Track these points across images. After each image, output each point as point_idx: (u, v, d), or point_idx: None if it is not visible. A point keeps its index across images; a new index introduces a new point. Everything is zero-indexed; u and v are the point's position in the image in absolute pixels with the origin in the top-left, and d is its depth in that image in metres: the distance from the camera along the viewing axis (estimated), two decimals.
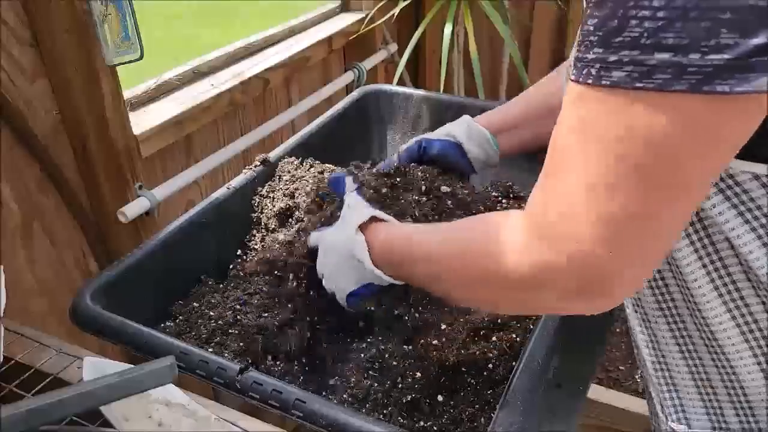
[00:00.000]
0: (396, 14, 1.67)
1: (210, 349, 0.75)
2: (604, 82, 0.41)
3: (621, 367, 1.75)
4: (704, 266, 0.54)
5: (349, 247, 0.67)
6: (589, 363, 0.87)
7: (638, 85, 0.40)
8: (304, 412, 0.60)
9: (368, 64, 1.72)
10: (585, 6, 0.45)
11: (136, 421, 0.59)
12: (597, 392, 1.46)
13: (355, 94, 1.26)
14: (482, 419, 0.68)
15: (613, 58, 0.40)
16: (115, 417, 0.59)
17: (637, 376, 1.70)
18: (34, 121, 0.92)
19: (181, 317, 0.83)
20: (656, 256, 0.47)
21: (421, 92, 1.24)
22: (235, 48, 1.40)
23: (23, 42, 0.89)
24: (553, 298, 0.49)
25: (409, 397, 0.69)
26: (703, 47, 0.37)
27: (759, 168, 0.47)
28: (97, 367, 0.61)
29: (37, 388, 0.65)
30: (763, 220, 0.49)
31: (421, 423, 0.68)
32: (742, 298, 0.54)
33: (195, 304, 0.85)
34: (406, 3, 1.66)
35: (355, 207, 0.73)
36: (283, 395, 0.61)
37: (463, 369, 0.73)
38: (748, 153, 0.45)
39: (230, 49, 1.39)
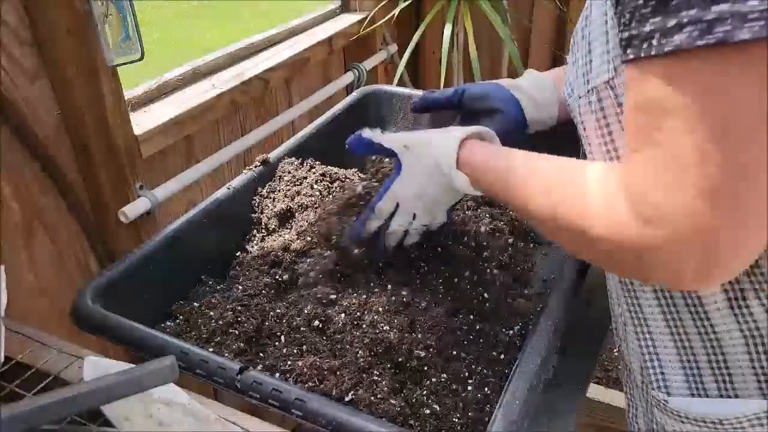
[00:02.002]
0: (396, 15, 1.67)
1: (210, 349, 0.75)
2: (667, 49, 0.40)
3: (620, 367, 1.75)
4: None
5: (447, 161, 0.68)
6: (589, 363, 0.88)
7: (699, 43, 0.38)
8: (304, 411, 0.60)
9: (368, 64, 1.72)
10: None
11: (137, 421, 0.59)
12: (597, 392, 1.46)
13: (355, 94, 1.26)
14: (482, 419, 0.68)
15: (672, 22, 0.39)
16: (116, 417, 0.59)
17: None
18: (34, 121, 0.92)
19: (181, 317, 0.83)
20: (762, 224, 0.44)
21: (421, 93, 1.24)
22: (235, 48, 1.41)
23: (24, 42, 0.89)
24: (664, 276, 0.48)
25: (410, 399, 0.69)
26: None
27: None
28: (97, 367, 0.61)
29: (37, 388, 0.65)
30: None
31: (420, 422, 0.67)
32: None
33: (195, 304, 0.85)
34: (406, 4, 1.66)
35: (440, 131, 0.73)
36: (282, 394, 0.61)
37: (463, 368, 0.73)
38: None
39: (231, 50, 1.39)
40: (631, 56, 0.43)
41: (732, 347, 0.59)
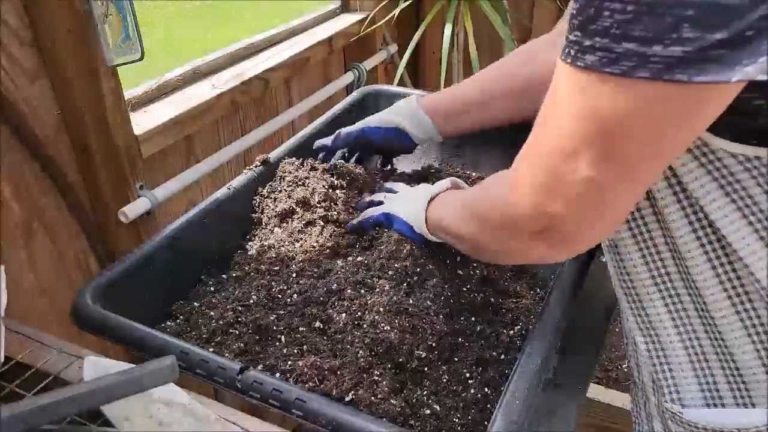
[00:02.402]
0: (396, 15, 1.67)
1: (210, 349, 0.75)
2: (579, 63, 0.45)
3: (621, 367, 1.75)
4: (702, 246, 0.56)
5: (419, 207, 0.80)
6: (589, 363, 0.88)
7: (606, 69, 0.43)
8: (305, 411, 0.60)
9: (368, 64, 1.72)
10: None
11: (137, 421, 0.59)
12: (597, 392, 1.46)
13: (355, 94, 1.26)
14: (482, 419, 0.68)
15: (587, 42, 0.44)
16: (116, 417, 0.59)
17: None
18: (34, 121, 0.92)
19: (181, 317, 0.83)
20: (612, 217, 0.53)
21: (421, 93, 1.24)
22: (235, 48, 1.41)
23: (23, 42, 0.89)
24: (524, 237, 0.56)
25: (410, 400, 0.69)
26: (666, 40, 0.40)
27: (740, 149, 0.50)
28: (97, 367, 0.61)
29: (37, 388, 0.65)
30: (748, 201, 0.52)
31: (421, 422, 0.67)
32: (738, 277, 0.55)
33: (195, 304, 0.85)
34: (406, 4, 1.66)
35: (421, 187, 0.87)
36: (283, 394, 0.61)
37: (463, 368, 0.73)
38: (735, 134, 0.49)
39: (231, 50, 1.39)
40: (559, 54, 0.48)
41: (742, 354, 0.58)
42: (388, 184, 0.95)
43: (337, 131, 1.04)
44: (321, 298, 0.82)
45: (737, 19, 0.39)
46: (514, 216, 0.56)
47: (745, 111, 0.46)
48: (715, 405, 0.61)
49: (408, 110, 0.96)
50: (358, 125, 1.01)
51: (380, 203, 0.90)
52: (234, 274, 0.91)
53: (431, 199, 0.79)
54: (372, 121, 1.00)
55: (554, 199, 0.51)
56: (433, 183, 0.86)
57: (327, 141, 1.04)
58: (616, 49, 0.42)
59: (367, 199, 0.94)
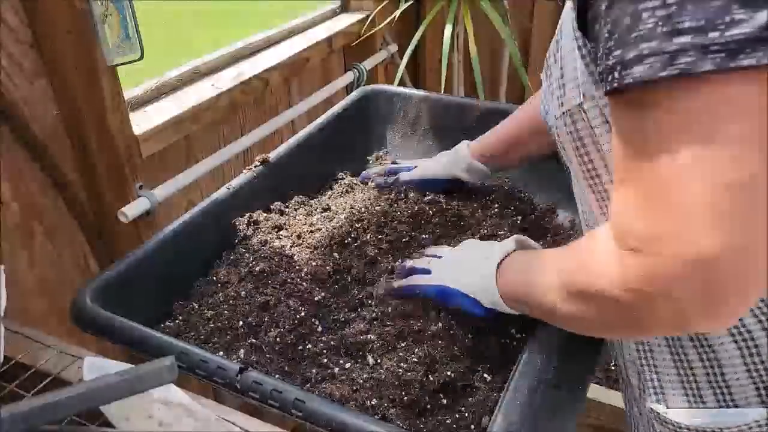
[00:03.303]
0: (397, 16, 1.67)
1: (210, 349, 0.75)
2: (626, 81, 0.41)
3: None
4: None
5: (485, 276, 0.69)
6: (589, 363, 0.87)
7: (662, 74, 0.39)
8: (304, 412, 0.60)
9: (368, 64, 1.72)
10: (594, 21, 0.46)
11: (137, 421, 0.59)
12: (597, 392, 1.46)
13: (355, 94, 1.26)
14: (482, 419, 0.68)
15: (631, 54, 0.40)
16: (115, 417, 0.59)
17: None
18: (34, 121, 0.92)
19: (181, 317, 0.83)
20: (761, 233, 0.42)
21: (421, 93, 1.24)
22: (235, 48, 1.40)
23: (23, 42, 0.89)
24: (669, 310, 0.45)
25: (409, 398, 0.69)
26: (719, 25, 0.37)
27: None
28: (97, 367, 0.61)
29: (37, 388, 0.65)
30: None
31: (421, 422, 0.67)
32: None
33: (195, 304, 0.85)
34: (407, 5, 1.66)
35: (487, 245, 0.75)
36: (282, 395, 0.61)
37: (464, 369, 0.73)
38: None
39: (230, 50, 1.39)
40: (604, 89, 0.44)
41: (728, 359, 0.59)
42: (431, 249, 0.84)
43: (390, 169, 1.07)
44: (321, 302, 0.82)
45: None
46: (653, 283, 0.44)
47: None
48: (698, 406, 0.62)
49: (464, 161, 0.99)
50: (417, 173, 1.03)
51: (425, 271, 0.78)
52: (234, 274, 0.91)
53: (499, 263, 0.69)
54: (430, 169, 1.03)
55: (702, 234, 0.41)
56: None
57: (380, 180, 1.06)
58: (669, 48, 0.39)
59: (409, 264, 0.82)
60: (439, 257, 0.80)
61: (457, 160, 1.00)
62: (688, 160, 0.40)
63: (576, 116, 0.58)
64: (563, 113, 0.59)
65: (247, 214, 0.97)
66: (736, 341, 0.57)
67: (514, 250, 0.70)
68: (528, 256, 0.69)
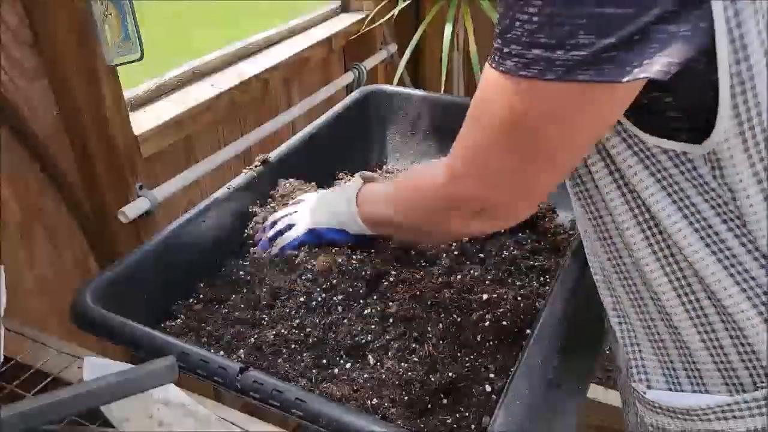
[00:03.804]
0: (396, 14, 1.67)
1: (210, 349, 0.75)
2: (500, 68, 0.51)
3: (613, 367, 1.75)
4: (646, 238, 0.60)
5: (348, 208, 0.83)
6: (589, 363, 0.88)
7: (521, 73, 0.50)
8: (305, 412, 0.60)
9: (368, 64, 1.72)
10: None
11: (137, 421, 0.59)
12: (597, 392, 1.46)
13: (355, 94, 1.26)
14: (483, 418, 0.68)
15: (506, 50, 0.50)
16: (116, 417, 0.59)
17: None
18: (34, 121, 0.92)
19: (181, 317, 0.83)
20: (533, 197, 0.61)
21: (420, 92, 1.24)
22: (235, 48, 1.40)
23: (23, 42, 0.89)
24: (465, 216, 0.63)
25: (410, 398, 0.69)
26: (566, 45, 0.47)
27: (669, 145, 0.54)
28: (97, 367, 0.61)
29: (37, 388, 0.65)
30: (681, 195, 0.56)
31: (421, 422, 0.67)
32: (681, 269, 0.60)
33: (195, 303, 0.85)
34: (405, 3, 1.66)
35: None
36: (283, 395, 0.61)
37: (464, 369, 0.73)
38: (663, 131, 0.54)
39: (230, 49, 1.39)
40: (488, 61, 0.54)
41: (694, 345, 0.62)
42: (282, 210, 0.94)
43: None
44: (324, 302, 0.82)
45: (624, 26, 0.45)
46: (447, 199, 0.63)
47: (659, 109, 0.52)
48: (676, 389, 0.65)
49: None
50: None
51: (289, 227, 0.89)
52: (234, 274, 0.91)
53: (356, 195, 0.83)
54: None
55: (481, 183, 0.59)
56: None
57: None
58: (527, 55, 0.49)
59: (271, 218, 0.93)
60: (298, 212, 0.91)
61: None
62: (492, 125, 0.55)
63: None
64: None
65: (255, 210, 0.97)
66: (698, 331, 0.61)
67: (363, 185, 0.85)
68: (380, 186, 0.84)
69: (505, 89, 0.52)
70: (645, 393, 0.67)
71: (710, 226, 0.56)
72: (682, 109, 0.51)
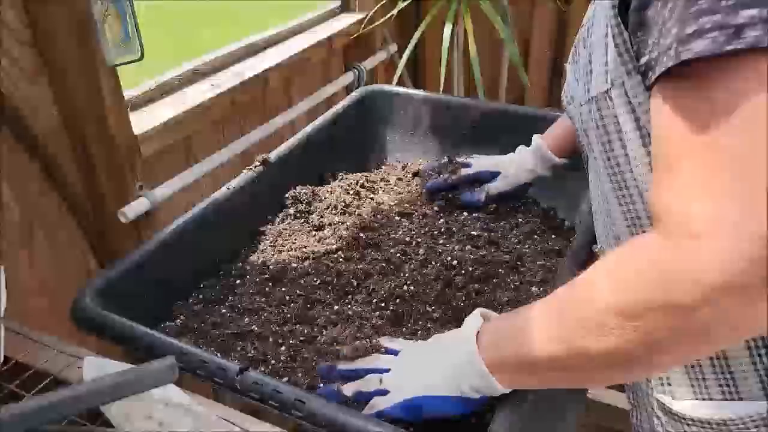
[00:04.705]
0: (396, 14, 1.67)
1: (210, 350, 0.75)
2: (684, 57, 0.38)
3: None
4: None
5: (460, 358, 0.57)
6: None
7: (728, 48, 0.37)
8: (304, 412, 0.60)
9: (368, 64, 1.72)
10: (644, 8, 0.43)
11: (137, 421, 0.59)
12: (597, 392, 1.46)
13: (355, 94, 1.26)
14: (482, 419, 0.67)
15: (690, 29, 0.38)
16: (116, 417, 0.59)
17: None
18: (34, 121, 0.92)
19: (181, 317, 0.83)
20: None
21: (420, 92, 1.24)
22: (235, 48, 1.40)
23: (23, 42, 0.89)
24: (740, 304, 0.39)
25: None
26: None
27: None
28: (97, 367, 0.61)
29: (37, 388, 0.65)
30: None
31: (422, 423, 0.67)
32: None
33: (195, 304, 0.85)
34: (405, 3, 1.66)
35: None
36: (282, 395, 0.61)
37: None
38: None
39: (230, 49, 1.39)
40: (653, 77, 0.41)
41: (734, 351, 0.58)
42: (383, 341, 0.68)
43: (483, 188, 1.03)
44: (323, 302, 0.82)
45: None
46: (727, 272, 0.38)
47: None
48: (704, 398, 0.61)
49: (550, 161, 0.99)
50: (508, 182, 1.02)
51: (380, 392, 0.63)
52: (234, 275, 0.91)
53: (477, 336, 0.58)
54: (521, 178, 1.02)
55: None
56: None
57: (466, 195, 1.03)
58: (734, 21, 0.36)
59: (355, 366, 0.66)
60: (394, 353, 0.66)
61: (543, 160, 1.00)
62: (760, 136, 0.37)
63: (602, 103, 0.57)
64: (589, 99, 0.59)
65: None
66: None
67: (483, 323, 0.60)
68: (510, 317, 0.58)
69: (706, 87, 0.38)
70: (672, 405, 0.63)
71: None
72: None
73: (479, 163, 1.05)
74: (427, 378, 0.60)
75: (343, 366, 0.66)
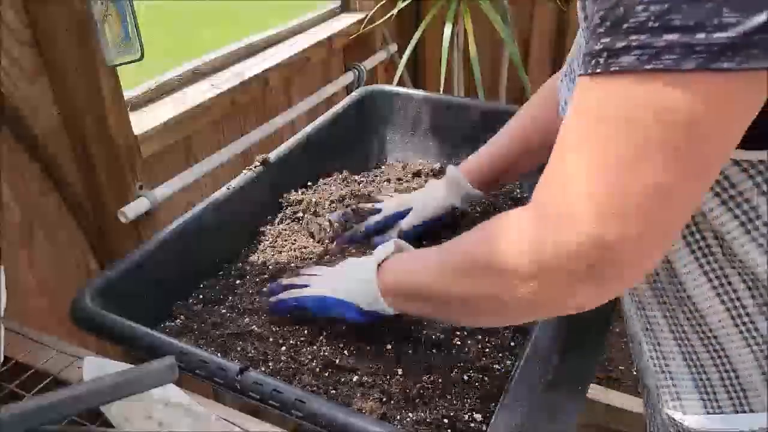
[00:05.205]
0: (396, 14, 1.67)
1: (210, 350, 0.75)
2: (612, 69, 0.42)
3: (621, 367, 1.75)
4: (692, 252, 0.55)
5: (365, 276, 0.69)
6: (589, 363, 0.87)
7: (648, 66, 0.41)
8: (304, 412, 0.60)
9: (368, 64, 1.72)
10: (584, 6, 0.47)
11: (137, 421, 0.59)
12: (597, 392, 1.46)
13: (355, 94, 1.26)
14: (482, 419, 0.68)
15: (620, 44, 0.42)
16: (116, 417, 0.59)
17: (633, 371, 1.70)
18: (34, 121, 0.92)
19: (181, 317, 0.83)
20: (670, 232, 0.47)
21: (420, 92, 1.24)
22: (235, 48, 1.40)
23: (23, 42, 0.89)
24: (562, 284, 0.48)
25: (410, 391, 0.69)
26: (708, 27, 0.39)
27: (743, 155, 0.48)
28: (97, 367, 0.61)
29: (37, 388, 0.65)
30: (746, 207, 0.51)
31: (420, 419, 0.67)
32: (734, 290, 0.55)
33: (195, 304, 0.85)
34: (405, 3, 1.66)
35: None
36: (283, 395, 0.61)
37: (464, 367, 0.73)
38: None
39: (230, 49, 1.39)
40: (580, 72, 0.46)
41: (742, 363, 0.58)
42: (309, 269, 0.82)
43: (396, 226, 0.95)
44: None
45: None
46: (560, 256, 0.47)
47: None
48: (714, 412, 0.61)
49: (464, 190, 0.95)
50: (417, 217, 0.94)
51: (303, 285, 0.78)
52: (234, 275, 0.91)
53: (379, 264, 0.69)
54: (429, 209, 0.95)
55: (616, 219, 0.44)
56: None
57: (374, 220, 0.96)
58: (657, 43, 0.40)
59: (285, 281, 0.81)
60: (318, 275, 0.79)
61: (457, 190, 0.95)
62: (635, 147, 0.43)
63: None
64: None
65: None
66: (749, 345, 0.57)
67: (393, 253, 0.70)
68: (413, 252, 0.70)
69: (626, 92, 0.43)
70: (683, 420, 0.62)
71: None
72: None
73: (388, 206, 0.96)
74: (338, 286, 0.73)
75: (285, 279, 0.82)
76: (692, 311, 0.58)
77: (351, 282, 0.71)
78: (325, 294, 0.74)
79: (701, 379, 0.61)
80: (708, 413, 0.61)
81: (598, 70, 0.43)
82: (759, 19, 0.38)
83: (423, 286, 0.63)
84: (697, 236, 0.54)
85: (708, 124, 0.42)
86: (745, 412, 0.59)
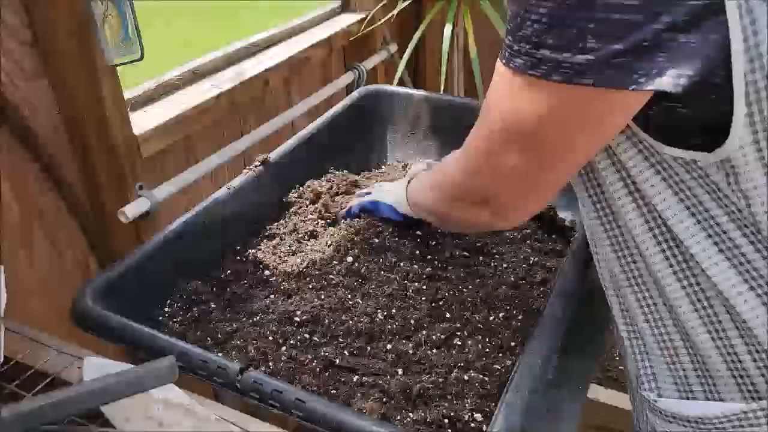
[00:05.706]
0: (396, 14, 1.67)
1: (210, 350, 0.75)
2: (510, 65, 0.52)
3: (621, 367, 1.75)
4: (658, 243, 0.59)
5: (400, 190, 0.91)
6: (589, 363, 0.88)
7: (530, 72, 0.50)
8: (304, 412, 0.60)
9: (368, 64, 1.72)
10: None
11: (137, 421, 0.59)
12: (597, 392, 1.46)
13: (355, 94, 1.27)
14: (482, 419, 0.68)
15: (516, 47, 0.51)
16: (116, 417, 0.59)
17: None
18: (34, 121, 0.92)
19: (181, 317, 0.83)
20: (538, 197, 0.61)
21: (421, 92, 1.24)
22: (235, 48, 1.40)
23: (23, 42, 0.89)
24: (470, 206, 0.65)
25: (410, 391, 0.69)
26: (573, 48, 0.47)
27: (678, 153, 0.53)
28: (97, 367, 0.61)
29: (37, 388, 0.65)
30: (694, 201, 0.55)
31: (420, 419, 0.67)
32: (694, 275, 0.58)
33: (195, 304, 0.85)
34: (405, 3, 1.66)
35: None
36: (283, 395, 0.61)
37: (464, 367, 0.73)
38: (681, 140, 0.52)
39: (230, 49, 1.39)
40: (499, 58, 0.55)
41: (709, 357, 0.60)
42: (371, 186, 1.03)
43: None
44: (323, 305, 0.82)
45: (632, 32, 0.45)
46: (459, 189, 0.65)
47: (672, 118, 0.50)
48: (687, 397, 0.64)
49: None
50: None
51: (368, 194, 0.99)
52: (234, 274, 0.91)
53: (410, 181, 0.89)
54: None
55: (488, 179, 0.60)
56: None
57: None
58: (536, 54, 0.49)
59: (357, 192, 1.04)
60: (378, 189, 1.00)
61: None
62: (500, 119, 0.56)
63: None
64: None
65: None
66: (713, 338, 0.59)
67: (424, 171, 0.90)
68: (423, 174, 0.87)
69: (513, 86, 0.53)
70: (656, 401, 0.65)
71: (725, 232, 0.55)
72: (695, 118, 0.50)
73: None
74: (386, 195, 0.95)
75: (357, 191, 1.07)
76: (664, 295, 0.61)
77: (394, 192, 0.94)
78: (378, 199, 0.95)
79: (674, 363, 0.64)
80: (681, 398, 0.64)
81: (503, 61, 0.53)
82: (617, 46, 0.45)
83: (420, 201, 0.84)
84: (659, 221, 0.58)
85: (564, 128, 0.52)
86: (715, 400, 0.62)
